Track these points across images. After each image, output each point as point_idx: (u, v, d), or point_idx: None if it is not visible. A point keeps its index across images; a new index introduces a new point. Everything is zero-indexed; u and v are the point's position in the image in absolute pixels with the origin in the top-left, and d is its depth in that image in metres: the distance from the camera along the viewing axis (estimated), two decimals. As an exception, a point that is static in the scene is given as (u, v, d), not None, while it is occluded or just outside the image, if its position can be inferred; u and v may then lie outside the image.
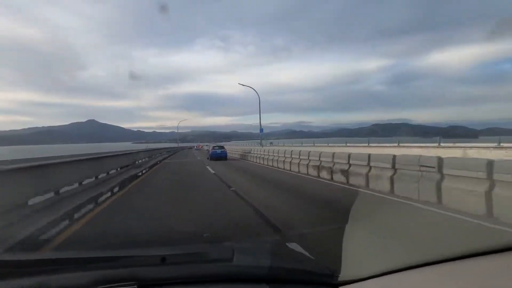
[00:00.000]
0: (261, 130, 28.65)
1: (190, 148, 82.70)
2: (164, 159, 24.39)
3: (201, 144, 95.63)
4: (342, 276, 1.06)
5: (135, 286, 0.96)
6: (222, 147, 23.76)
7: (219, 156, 22.15)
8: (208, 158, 22.88)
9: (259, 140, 29.86)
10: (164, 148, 34.39)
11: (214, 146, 24.10)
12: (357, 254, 1.42)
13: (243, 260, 1.26)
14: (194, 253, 1.39)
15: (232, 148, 30.28)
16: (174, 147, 49.59)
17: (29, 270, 1.12)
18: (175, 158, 27.80)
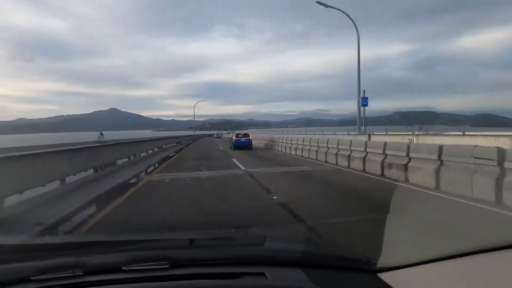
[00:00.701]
0: (364, 100, 17.50)
1: (210, 135, 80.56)
2: (181, 149, 21.80)
3: (220, 132, 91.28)
4: (380, 264, 1.04)
5: (167, 266, 0.99)
6: (246, 135, 21.39)
7: (244, 145, 20.47)
8: (231, 147, 21.47)
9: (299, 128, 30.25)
10: (183, 136, 32.27)
11: (237, 134, 21.61)
12: (397, 244, 1.41)
13: (275, 245, 1.23)
14: (224, 237, 1.43)
15: (255, 136, 28.28)
16: (191, 135, 48.42)
17: (64, 252, 1.20)
18: (193, 147, 25.73)
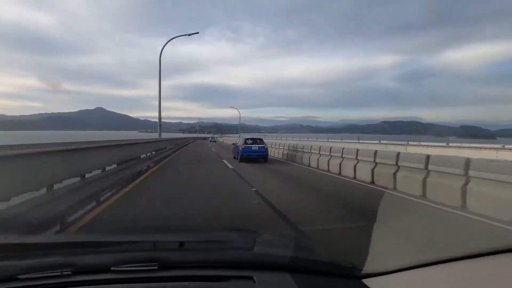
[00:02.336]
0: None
1: (205, 139, 75.37)
2: (165, 157, 15.05)
3: (214, 135, 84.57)
4: (365, 270, 1.05)
5: (156, 267, 0.99)
6: (260, 141, 14.15)
7: (256, 156, 13.60)
8: (235, 158, 14.70)
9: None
10: (169, 140, 24.21)
11: (246, 140, 14.20)
12: (382, 250, 1.41)
13: (264, 249, 1.24)
14: (214, 240, 1.43)
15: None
16: (182, 138, 43.19)
17: (53, 251, 1.20)
18: (184, 157, 17.73)
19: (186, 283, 0.97)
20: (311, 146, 13.04)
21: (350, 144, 21.87)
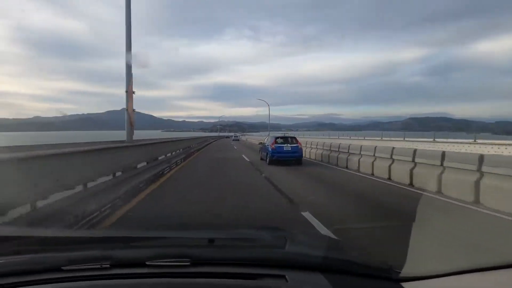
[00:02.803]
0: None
1: (227, 137, 73.72)
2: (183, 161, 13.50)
3: (237, 134, 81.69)
4: (403, 273, 1.02)
5: (188, 263, 1.01)
6: (292, 140, 12.51)
7: (289, 157, 11.97)
8: (263, 159, 13.52)
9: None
10: (191, 139, 24.20)
11: (277, 138, 12.62)
12: (421, 253, 1.37)
13: (296, 248, 1.23)
14: (245, 238, 1.45)
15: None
16: (203, 137, 43.09)
17: (93, 245, 1.30)
18: (205, 159, 15.91)
19: (218, 279, 0.97)
20: (349, 146, 11.39)
21: (387, 142, 20.62)
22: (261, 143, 15.57)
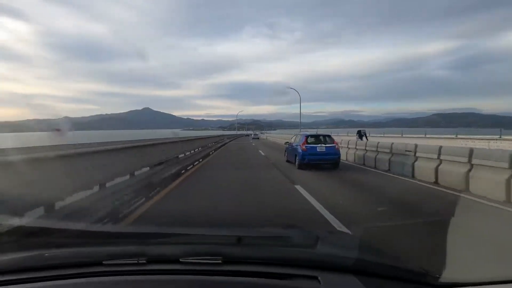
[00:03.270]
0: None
1: (247, 135, 70.36)
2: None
3: (256, 132, 75.51)
4: (443, 278, 0.97)
5: (220, 261, 1.02)
6: (327, 139, 10.64)
7: (325, 160, 10.03)
8: (289, 162, 11.65)
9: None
10: (210, 137, 23.77)
11: (308, 137, 10.66)
12: (460, 258, 1.33)
13: (327, 248, 1.22)
14: (275, 236, 1.44)
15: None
16: (218, 135, 38.26)
17: (129, 240, 1.36)
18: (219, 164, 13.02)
19: (250, 278, 0.98)
20: (392, 145, 9.66)
21: (410, 139, 18.22)
22: (287, 142, 12.94)
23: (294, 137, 12.14)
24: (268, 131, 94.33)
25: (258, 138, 51.59)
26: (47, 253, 1.12)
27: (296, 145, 10.76)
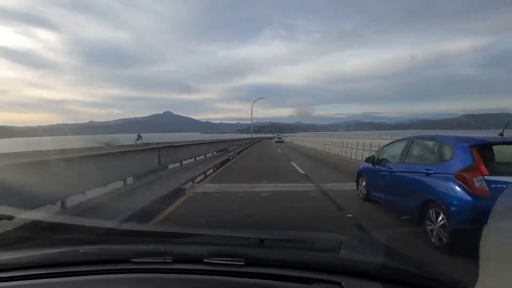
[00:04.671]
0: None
1: (270, 138, 66.66)
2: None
3: (280, 135, 67.10)
4: None
5: (243, 263, 1.02)
6: None
7: None
8: (370, 200, 5.16)
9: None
10: (230, 141, 21.74)
11: (485, 148, 3.09)
12: (494, 269, 1.09)
13: (351, 254, 1.17)
14: (298, 239, 1.44)
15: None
16: (235, 139, 30.26)
17: (155, 238, 1.48)
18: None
19: (272, 281, 0.97)
20: None
21: None
22: (372, 159, 5.30)
23: (395, 145, 5.05)
24: (290, 134, 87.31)
25: (282, 142, 47.63)
26: (78, 249, 1.18)
27: (434, 171, 3.46)
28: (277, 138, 54.17)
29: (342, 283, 0.93)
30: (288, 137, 60.66)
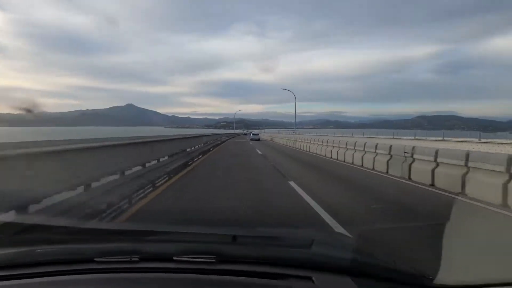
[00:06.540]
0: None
1: (245, 134, 58.34)
2: None
3: (256, 131, 55.79)
4: (438, 280, 0.97)
5: (214, 260, 1.01)
6: None
7: None
8: None
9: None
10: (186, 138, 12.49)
11: None
12: (455, 261, 1.27)
13: (322, 249, 1.20)
14: (270, 236, 1.43)
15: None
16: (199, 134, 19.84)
17: (122, 237, 1.38)
18: None
19: (243, 278, 0.96)
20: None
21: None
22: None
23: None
24: (259, 130, 77.68)
25: (259, 139, 38.01)
26: (38, 249, 1.11)
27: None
28: (252, 134, 42.95)
29: (313, 278, 0.94)
30: (264, 134, 49.70)
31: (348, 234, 3.24)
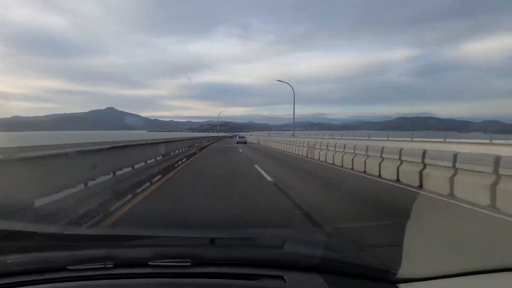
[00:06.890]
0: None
1: (231, 137, 56.79)
2: None
3: (242, 134, 52.86)
4: (400, 274, 1.02)
5: (189, 263, 1.02)
6: None
7: None
8: None
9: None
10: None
11: None
12: (417, 255, 1.37)
13: (294, 248, 1.24)
14: (244, 237, 1.50)
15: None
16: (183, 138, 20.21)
17: (96, 243, 1.37)
18: None
19: (218, 280, 0.98)
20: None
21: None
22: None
23: None
24: (245, 133, 73.46)
25: (245, 142, 36.57)
26: (9, 259, 1.09)
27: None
28: (238, 137, 40.55)
29: (284, 277, 0.98)
30: (250, 136, 47.98)
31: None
